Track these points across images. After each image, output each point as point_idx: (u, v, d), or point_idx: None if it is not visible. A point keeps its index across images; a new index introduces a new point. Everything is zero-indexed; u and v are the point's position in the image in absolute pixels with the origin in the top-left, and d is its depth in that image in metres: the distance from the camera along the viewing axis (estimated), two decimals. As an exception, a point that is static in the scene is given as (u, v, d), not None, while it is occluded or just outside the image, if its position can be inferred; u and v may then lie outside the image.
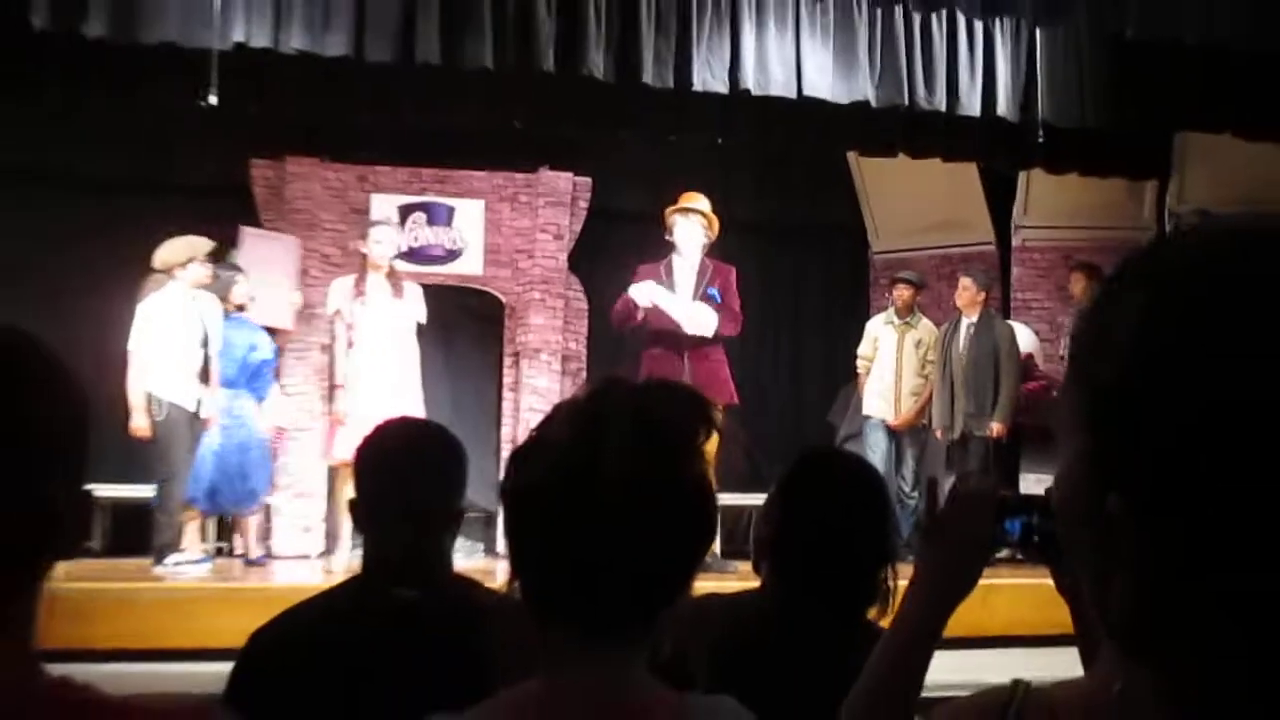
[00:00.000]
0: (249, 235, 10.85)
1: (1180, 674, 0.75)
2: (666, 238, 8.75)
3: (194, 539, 9.32)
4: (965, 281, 10.45)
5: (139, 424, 8.32)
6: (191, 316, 8.26)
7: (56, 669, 1.31)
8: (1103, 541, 0.74)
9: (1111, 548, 0.73)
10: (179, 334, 8.18)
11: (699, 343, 8.51)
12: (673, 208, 8.81)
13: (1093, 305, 0.77)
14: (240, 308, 9.28)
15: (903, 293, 10.73)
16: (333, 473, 9.57)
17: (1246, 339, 0.71)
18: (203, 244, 8.28)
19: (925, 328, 10.63)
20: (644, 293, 8.50)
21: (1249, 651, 0.71)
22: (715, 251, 8.83)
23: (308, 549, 10.19)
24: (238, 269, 9.49)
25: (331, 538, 9.77)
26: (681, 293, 8.55)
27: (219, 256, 9.24)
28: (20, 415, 1.33)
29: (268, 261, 10.66)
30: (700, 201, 8.91)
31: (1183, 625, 0.73)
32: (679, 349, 8.37)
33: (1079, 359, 0.77)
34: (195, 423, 8.50)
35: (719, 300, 8.60)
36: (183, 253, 8.30)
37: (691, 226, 8.69)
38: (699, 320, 8.40)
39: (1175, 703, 0.75)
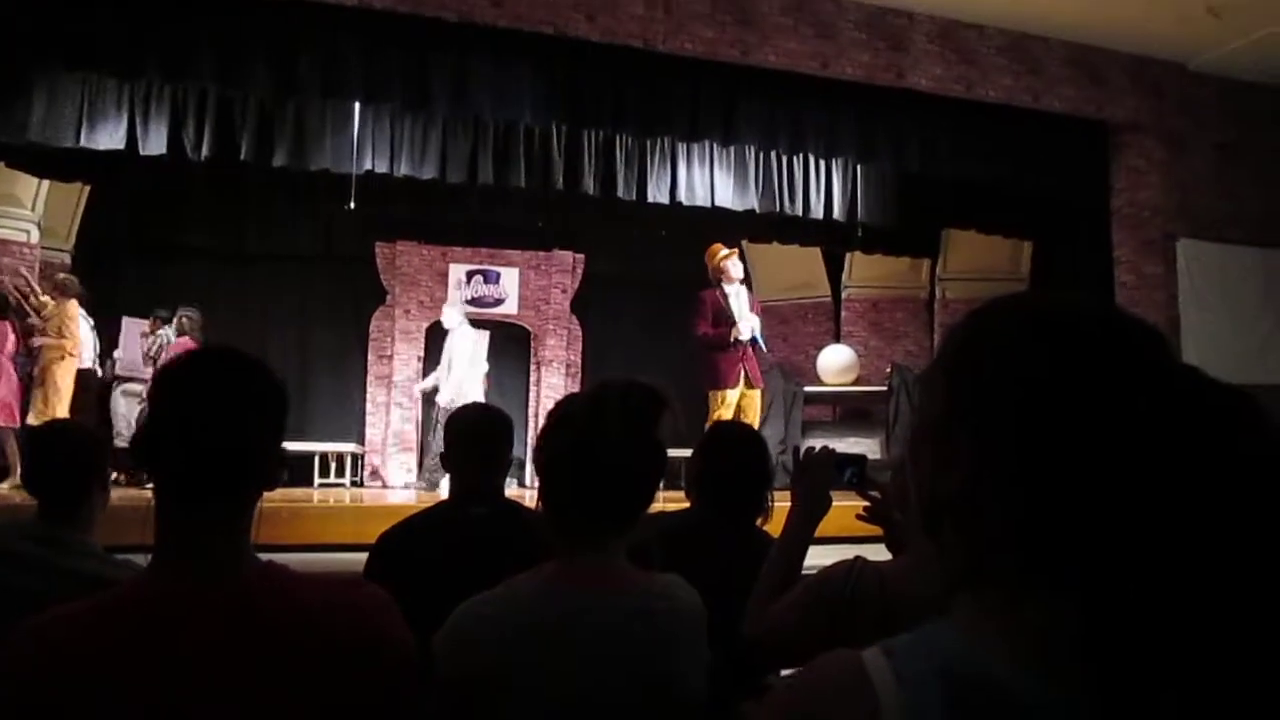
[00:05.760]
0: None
1: (967, 549, 0.73)
2: (719, 278, 8.10)
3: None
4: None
5: None
6: None
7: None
8: (943, 456, 0.74)
9: (949, 459, 0.73)
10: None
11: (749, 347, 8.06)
12: (723, 255, 8.17)
13: (958, 327, 0.77)
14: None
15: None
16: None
17: (1034, 344, 0.71)
18: None
19: None
20: (746, 328, 7.94)
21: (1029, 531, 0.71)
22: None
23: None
24: None
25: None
26: (743, 311, 8.04)
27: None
28: (268, 396, 1.31)
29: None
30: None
31: (980, 505, 0.72)
32: (737, 353, 7.95)
33: (946, 354, 0.77)
34: None
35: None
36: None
37: (738, 266, 8.22)
38: (756, 333, 8.04)
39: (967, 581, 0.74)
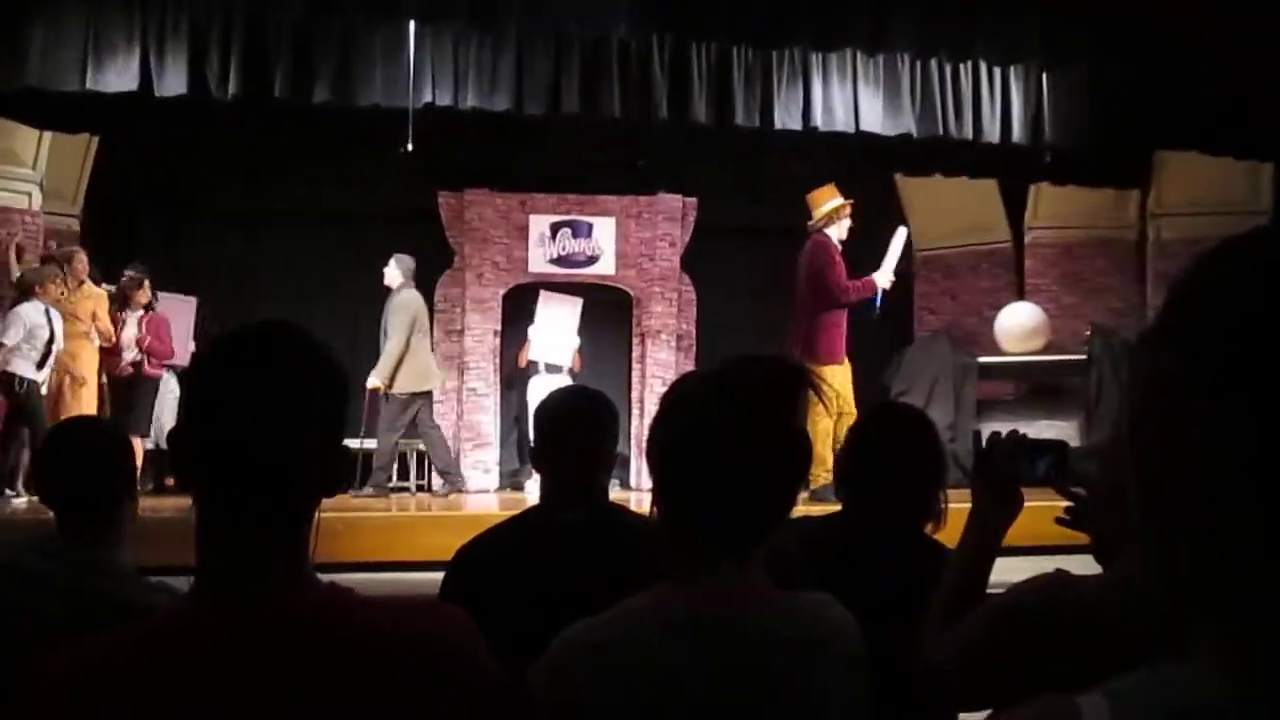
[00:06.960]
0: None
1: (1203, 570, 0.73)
2: (828, 225, 8.56)
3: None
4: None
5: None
6: None
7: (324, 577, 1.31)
8: (1172, 433, 0.73)
9: (1180, 435, 0.72)
10: None
11: None
12: (843, 205, 8.58)
13: (1182, 276, 0.76)
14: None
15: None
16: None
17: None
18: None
19: None
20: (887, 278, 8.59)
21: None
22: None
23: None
24: None
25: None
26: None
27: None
28: (323, 383, 1.31)
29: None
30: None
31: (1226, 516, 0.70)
32: (846, 320, 8.43)
33: (1169, 309, 0.75)
34: None
35: None
36: None
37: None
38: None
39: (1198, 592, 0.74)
